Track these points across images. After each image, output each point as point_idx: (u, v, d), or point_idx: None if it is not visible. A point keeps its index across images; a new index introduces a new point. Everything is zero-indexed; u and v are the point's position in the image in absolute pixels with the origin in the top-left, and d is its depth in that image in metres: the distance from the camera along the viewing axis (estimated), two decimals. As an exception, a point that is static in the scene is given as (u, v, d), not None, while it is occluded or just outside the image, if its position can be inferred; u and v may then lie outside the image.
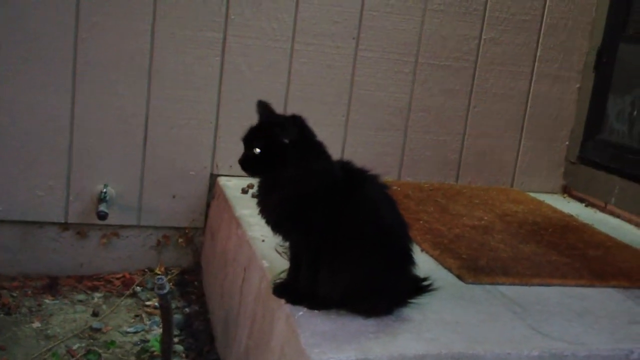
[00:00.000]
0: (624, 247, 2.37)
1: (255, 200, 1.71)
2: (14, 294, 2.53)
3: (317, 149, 1.65)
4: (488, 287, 1.92)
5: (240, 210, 2.40)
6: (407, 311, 1.68)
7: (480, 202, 2.78)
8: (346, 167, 1.70)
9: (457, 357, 1.52)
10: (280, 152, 1.59)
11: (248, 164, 1.62)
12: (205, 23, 2.71)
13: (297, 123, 1.62)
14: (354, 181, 1.67)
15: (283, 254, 1.98)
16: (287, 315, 1.63)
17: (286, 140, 1.59)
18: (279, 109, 2.85)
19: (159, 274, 2.75)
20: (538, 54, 3.07)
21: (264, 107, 1.67)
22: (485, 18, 2.99)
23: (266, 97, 2.74)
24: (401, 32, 2.92)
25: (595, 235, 2.48)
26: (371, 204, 1.64)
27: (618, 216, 2.82)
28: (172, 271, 2.82)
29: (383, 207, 1.66)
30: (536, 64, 3.08)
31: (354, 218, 1.60)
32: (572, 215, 2.72)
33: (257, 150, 1.59)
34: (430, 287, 1.79)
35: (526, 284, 1.96)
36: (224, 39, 2.75)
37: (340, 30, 2.86)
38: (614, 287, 2.01)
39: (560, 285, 1.98)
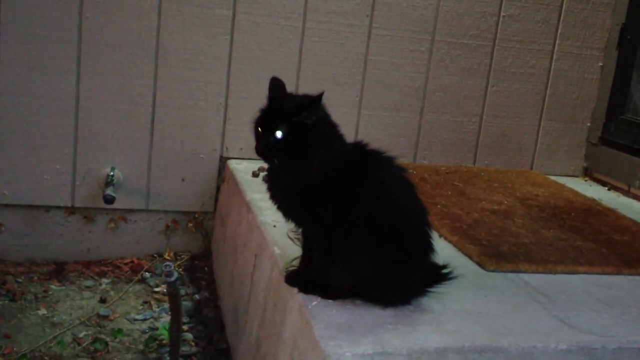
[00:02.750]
0: (651, 232, 2.27)
1: (266, 185, 1.62)
2: (20, 280, 2.47)
3: (335, 131, 1.57)
4: (510, 275, 1.83)
5: (251, 194, 2.32)
6: (426, 301, 1.60)
7: (499, 185, 2.69)
8: (360, 149, 1.61)
9: (480, 350, 1.43)
10: (306, 135, 1.49)
11: (270, 150, 1.49)
12: (214, 0, 2.62)
13: (321, 104, 1.52)
14: (369, 164, 1.58)
15: (295, 240, 1.90)
16: (300, 305, 1.55)
17: (309, 123, 1.49)
18: (290, 88, 2.76)
19: (168, 260, 2.68)
20: (559, 31, 2.95)
21: (276, 85, 1.57)
22: (505, -6, 2.88)
23: (277, 76, 2.69)
24: (417, 9, 2.82)
25: (620, 219, 2.39)
26: (386, 188, 1.55)
27: (643, 200, 2.72)
28: (182, 256, 2.75)
29: (399, 192, 1.57)
30: (557, 41, 2.96)
31: (368, 203, 1.51)
32: (594, 199, 2.62)
33: (279, 134, 1.48)
34: (450, 275, 1.71)
35: (550, 272, 1.87)
36: (233, 16, 2.65)
37: (354, 7, 2.76)
38: (643, 274, 1.92)
39: (586, 272, 1.89)
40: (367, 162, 1.59)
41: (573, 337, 1.50)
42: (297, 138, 1.48)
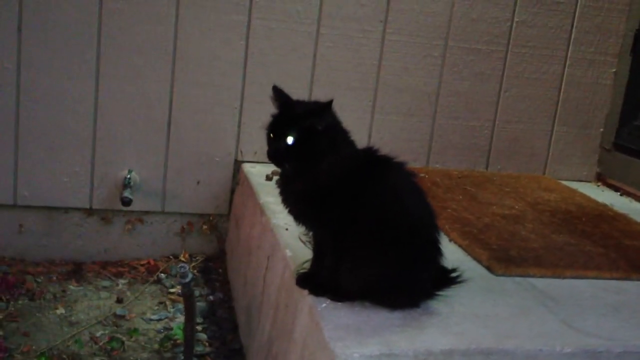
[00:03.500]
0: (661, 238, 2.28)
1: (278, 189, 1.66)
2: (39, 280, 2.53)
3: (345, 137, 1.60)
4: (518, 279, 1.85)
5: (265, 198, 2.36)
6: (434, 304, 1.63)
7: (510, 190, 2.71)
8: (371, 155, 1.64)
9: (486, 353, 1.46)
10: (315, 141, 1.53)
11: (280, 155, 1.53)
12: (230, 6, 2.67)
13: (331, 110, 1.55)
14: (379, 169, 1.61)
15: (307, 243, 1.93)
16: (310, 307, 1.59)
17: (320, 128, 1.53)
18: (304, 93, 2.84)
19: (183, 261, 2.73)
20: (572, 36, 2.97)
21: (279, 93, 1.60)
22: (518, 0, 2.89)
23: (291, 81, 2.75)
24: (430, 15, 2.85)
25: (631, 225, 2.40)
26: (396, 193, 1.58)
27: (655, 206, 2.72)
28: (197, 258, 2.80)
29: (408, 196, 1.60)
30: (570, 47, 2.98)
31: (377, 208, 1.55)
32: (606, 205, 2.63)
33: (290, 139, 1.52)
34: (459, 279, 1.73)
35: (559, 276, 1.89)
36: (249, 22, 2.70)
37: (368, 13, 2.79)
38: (652, 279, 1.93)
39: (594, 277, 1.91)
40: (378, 167, 1.62)
41: (578, 341, 1.52)
42: (308, 143, 1.52)
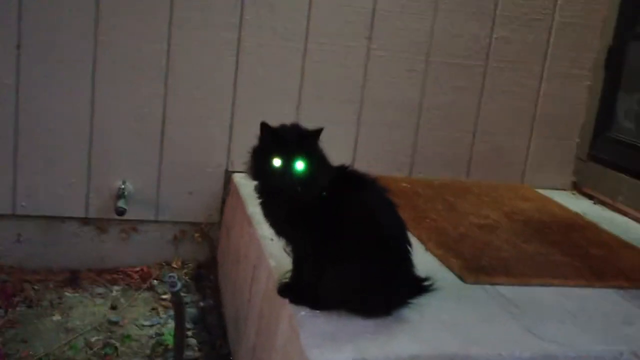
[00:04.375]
0: (627, 247, 2.41)
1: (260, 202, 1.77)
2: (36, 287, 2.65)
3: (325, 156, 1.72)
4: (487, 287, 1.98)
5: (253, 208, 2.46)
6: (406, 312, 1.75)
7: (488, 199, 2.83)
8: (345, 172, 1.76)
9: (451, 358, 1.58)
10: (319, 162, 1.66)
11: (293, 180, 1.61)
12: (221, 24, 2.78)
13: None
14: (353, 186, 1.73)
15: (290, 254, 2.05)
16: (290, 315, 1.71)
17: (322, 151, 1.68)
18: (292, 107, 2.96)
19: (175, 268, 2.85)
20: (548, 52, 3.09)
21: (267, 127, 1.67)
22: (496, 17, 3.02)
23: (279, 95, 2.89)
24: (413, 32, 2.97)
25: (599, 234, 2.52)
26: (369, 207, 1.70)
27: (625, 214, 2.84)
28: (189, 265, 2.92)
29: (381, 210, 1.72)
30: (547, 62, 3.10)
31: (352, 222, 1.66)
32: (578, 214, 2.75)
33: (302, 164, 1.61)
34: (431, 287, 1.84)
35: (526, 284, 2.02)
36: (239, 39, 2.82)
37: (353, 29, 2.91)
38: (612, 287, 2.05)
39: (560, 285, 2.03)
40: (352, 183, 1.74)
41: (537, 346, 1.65)
42: (313, 165, 1.63)
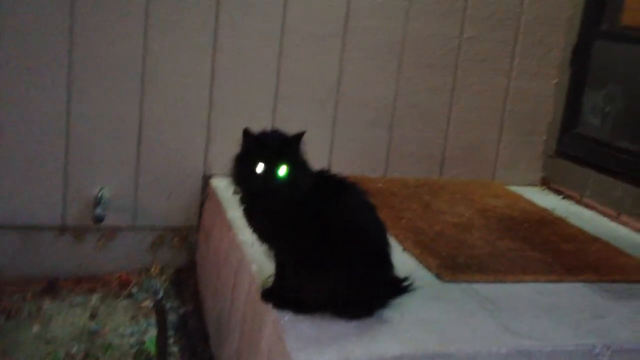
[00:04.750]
0: (594, 241, 2.49)
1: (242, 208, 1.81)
2: (14, 298, 2.63)
3: (306, 161, 1.75)
4: (464, 285, 2.03)
5: (232, 213, 2.49)
6: (387, 312, 1.79)
7: (461, 197, 2.90)
8: (325, 176, 1.80)
9: (431, 356, 1.64)
10: (302, 167, 1.70)
11: (277, 185, 1.64)
12: (197, 25, 2.79)
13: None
14: (333, 189, 1.77)
15: (271, 258, 2.09)
16: (274, 320, 1.75)
17: (303, 156, 1.71)
18: (268, 108, 2.99)
19: (154, 274, 2.86)
20: (516, 50, 3.17)
21: (249, 134, 1.70)
22: (466, 17, 3.08)
23: (256, 97, 2.91)
24: (385, 33, 3.02)
25: (568, 228, 2.61)
26: (349, 211, 1.75)
27: (593, 208, 2.93)
28: (167, 270, 2.93)
29: (361, 213, 1.77)
30: (515, 60, 3.18)
31: (332, 225, 1.70)
32: (547, 209, 2.83)
33: (284, 169, 1.64)
34: (410, 287, 1.91)
35: (500, 281, 2.08)
36: (215, 40, 2.83)
37: (328, 31, 2.95)
38: (582, 281, 2.13)
39: (532, 281, 2.10)
40: (332, 187, 1.78)
41: (513, 342, 1.71)
42: (296, 170, 1.67)
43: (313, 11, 2.91)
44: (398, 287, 1.90)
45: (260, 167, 1.65)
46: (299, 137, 1.71)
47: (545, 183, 3.27)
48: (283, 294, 1.79)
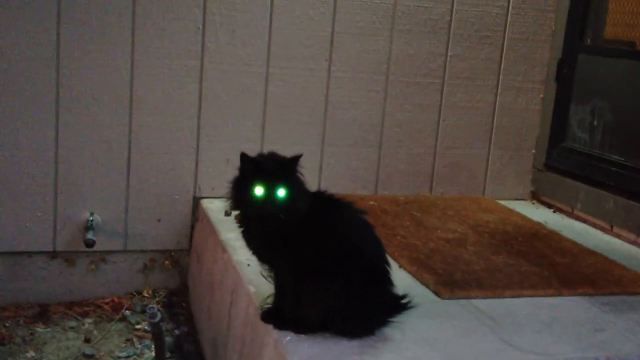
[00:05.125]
0: (589, 253, 2.51)
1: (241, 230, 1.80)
2: (7, 324, 2.60)
3: (303, 183, 1.76)
4: (463, 301, 2.04)
5: (225, 234, 2.49)
6: (388, 330, 1.79)
7: (453, 213, 2.91)
8: (322, 197, 1.81)
9: (435, 374, 1.63)
10: (300, 189, 1.70)
11: (277, 207, 1.65)
12: (183, 52, 2.80)
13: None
14: (330, 209, 1.78)
15: (268, 278, 2.07)
16: (275, 341, 1.73)
17: (302, 177, 1.73)
18: (257, 131, 2.99)
19: (146, 297, 2.83)
20: (502, 67, 3.21)
21: (247, 157, 1.71)
22: (450, 35, 3.11)
23: (244, 120, 2.91)
24: (371, 53, 3.04)
25: (562, 242, 2.62)
26: (347, 229, 1.75)
27: (584, 221, 2.96)
28: (160, 293, 2.91)
29: (358, 232, 1.77)
30: (500, 76, 3.21)
31: (331, 245, 1.71)
32: (540, 223, 2.86)
33: (284, 192, 1.65)
34: (409, 305, 1.91)
35: (499, 297, 2.08)
36: (201, 66, 2.84)
37: (313, 53, 2.97)
38: (580, 294, 2.14)
39: (530, 295, 2.11)
40: (330, 207, 1.79)
41: (516, 357, 1.71)
42: (294, 192, 1.68)
43: (298, 34, 2.93)
44: (398, 305, 1.89)
45: (259, 190, 1.66)
46: (295, 159, 1.72)
47: (535, 197, 3.30)
48: (283, 314, 1.79)
